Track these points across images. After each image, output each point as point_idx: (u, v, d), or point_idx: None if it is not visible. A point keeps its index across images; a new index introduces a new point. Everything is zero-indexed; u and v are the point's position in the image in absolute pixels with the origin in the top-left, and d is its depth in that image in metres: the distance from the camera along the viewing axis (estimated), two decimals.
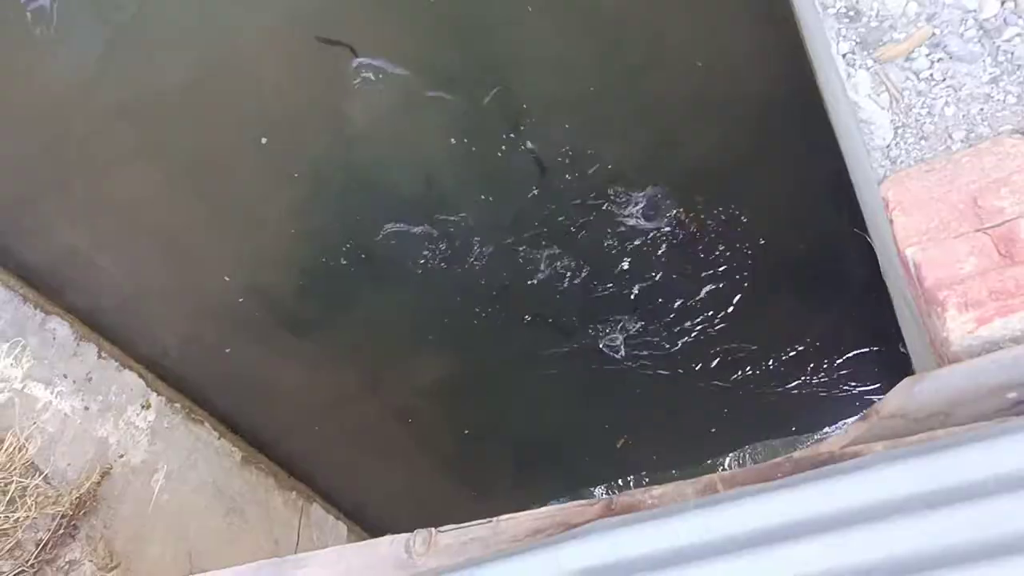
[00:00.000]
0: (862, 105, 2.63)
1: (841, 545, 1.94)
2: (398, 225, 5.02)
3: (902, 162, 2.62)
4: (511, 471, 6.66)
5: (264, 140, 4.67)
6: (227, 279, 5.22)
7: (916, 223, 2.47)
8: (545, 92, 4.52)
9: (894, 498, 1.96)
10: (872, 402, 5.42)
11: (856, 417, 2.33)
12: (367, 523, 7.06)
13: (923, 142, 2.59)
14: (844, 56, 2.63)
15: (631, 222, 4.92)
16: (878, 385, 5.52)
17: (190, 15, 4.38)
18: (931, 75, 2.56)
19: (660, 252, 5.05)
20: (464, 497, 6.83)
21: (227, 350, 5.65)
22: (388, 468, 6.66)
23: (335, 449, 6.43)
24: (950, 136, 2.55)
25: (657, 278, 5.13)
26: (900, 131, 2.62)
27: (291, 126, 4.63)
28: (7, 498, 4.12)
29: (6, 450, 4.17)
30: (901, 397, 2.25)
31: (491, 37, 4.39)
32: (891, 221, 2.55)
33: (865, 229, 3.98)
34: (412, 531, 2.76)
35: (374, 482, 6.84)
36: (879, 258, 3.92)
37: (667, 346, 5.37)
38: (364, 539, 5.22)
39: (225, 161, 4.80)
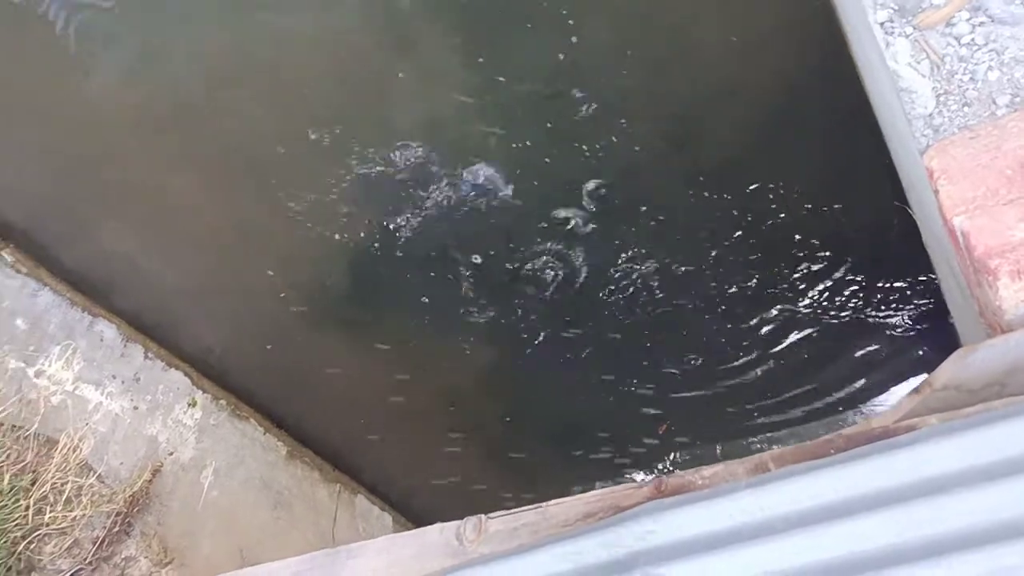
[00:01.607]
0: (902, 74, 2.59)
1: (900, 520, 1.92)
2: (439, 216, 5.04)
3: (945, 130, 2.57)
4: (552, 457, 6.67)
5: (313, 136, 4.71)
6: (270, 273, 5.28)
7: (962, 191, 2.42)
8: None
9: (952, 471, 1.93)
10: (918, 377, 5.34)
11: (909, 390, 2.29)
12: (411, 513, 7.12)
13: (966, 108, 2.54)
14: (882, 24, 2.58)
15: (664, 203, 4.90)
16: (924, 360, 5.44)
17: (224, 21, 4.44)
18: (973, 40, 2.51)
19: (698, 232, 5.02)
20: (505, 485, 6.86)
21: (268, 347, 5.72)
22: (430, 457, 6.70)
23: (378, 440, 6.49)
24: (994, 101, 2.49)
25: (697, 258, 5.10)
26: (942, 98, 2.56)
27: (336, 122, 4.68)
28: (64, 497, 4.22)
29: (61, 451, 4.27)
30: (954, 368, 2.21)
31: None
32: (936, 191, 2.50)
33: (906, 201, 3.91)
34: (461, 519, 2.78)
35: (417, 472, 6.89)
36: (922, 231, 3.85)
37: (714, 328, 5.34)
38: (409, 529, 5.27)
39: (265, 159, 4.86)
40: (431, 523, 2.83)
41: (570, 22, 4.45)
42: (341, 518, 6.39)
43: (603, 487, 2.63)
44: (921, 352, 5.28)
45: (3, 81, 4.79)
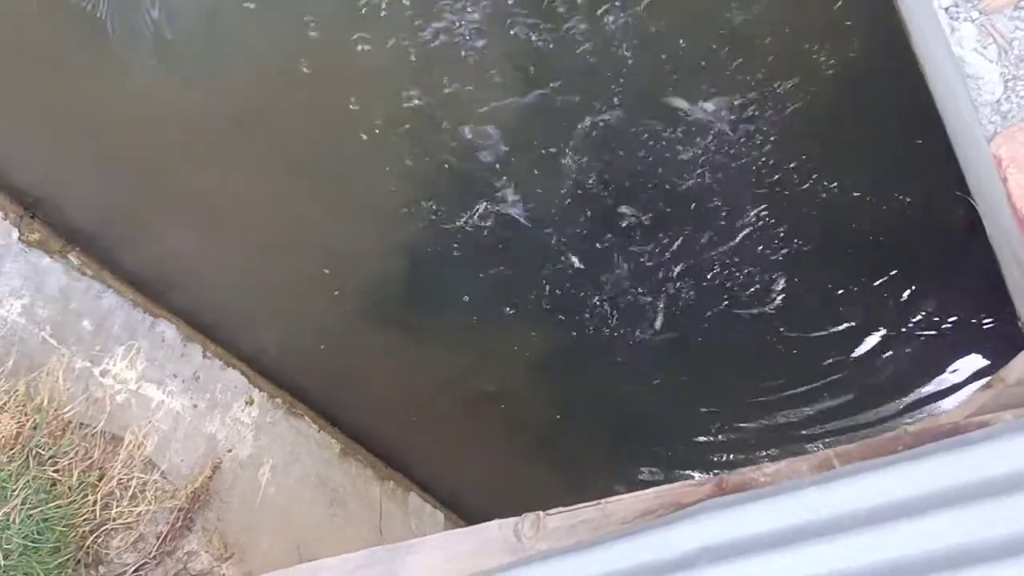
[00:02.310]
0: (968, 60, 2.52)
1: (972, 518, 1.87)
2: (490, 214, 5.06)
3: (1014, 116, 2.49)
4: (605, 455, 6.64)
5: (364, 136, 4.77)
6: (326, 272, 5.35)
7: None
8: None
9: None
10: (984, 376, 5.20)
11: (980, 387, 2.23)
12: (463, 511, 7.15)
13: None
14: (947, 10, 2.52)
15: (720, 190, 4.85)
16: (988, 357, 5.29)
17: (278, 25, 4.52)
18: None
19: (754, 231, 4.95)
20: (557, 482, 6.85)
21: (322, 346, 5.80)
22: (482, 455, 6.73)
23: (430, 438, 6.53)
24: None
25: (755, 260, 5.04)
26: (1010, 84, 2.49)
27: (391, 123, 4.72)
28: (129, 493, 4.33)
29: (126, 447, 4.38)
30: None
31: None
32: (1004, 179, 2.43)
33: (968, 192, 3.80)
34: (518, 515, 2.79)
35: (468, 470, 6.92)
36: (985, 223, 3.75)
37: (771, 321, 5.26)
38: (460, 526, 5.30)
39: (321, 158, 4.93)
40: (482, 520, 2.84)
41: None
42: (395, 515, 6.45)
43: (660, 485, 2.61)
44: (985, 349, 5.14)
45: (64, 88, 4.93)
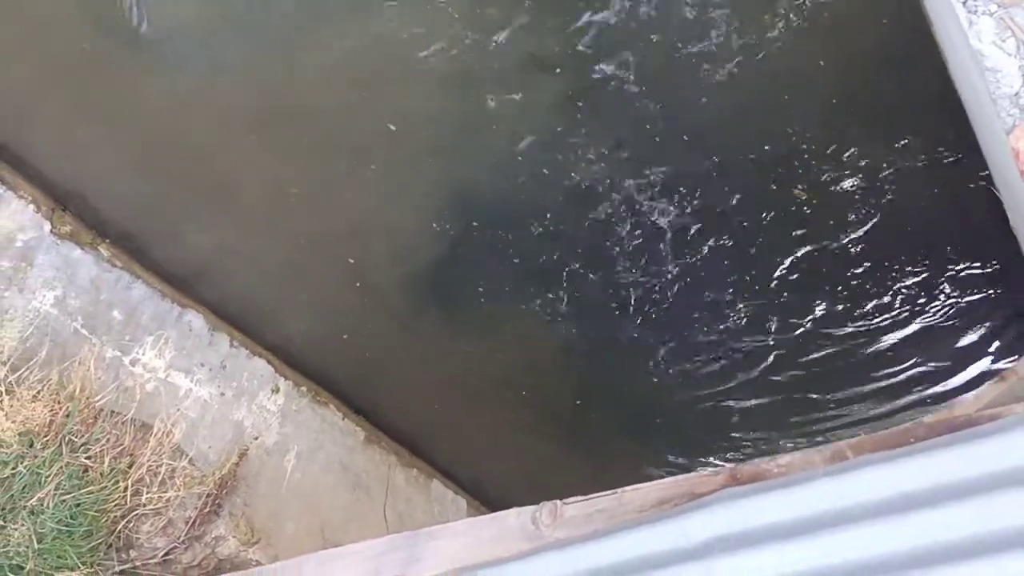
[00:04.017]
0: (986, 53, 2.51)
1: (985, 510, 1.89)
2: (517, 205, 5.10)
3: None
4: (625, 444, 6.67)
5: (392, 127, 4.81)
6: (351, 261, 5.41)
7: None
8: None
9: None
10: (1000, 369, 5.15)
11: (992, 380, 2.24)
12: (485, 498, 7.21)
13: None
14: (965, 3, 2.51)
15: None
16: (1007, 349, 5.25)
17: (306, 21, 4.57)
18: None
19: (774, 221, 4.95)
20: (578, 471, 6.89)
21: (345, 336, 5.87)
22: (503, 443, 6.78)
23: (452, 426, 6.59)
24: None
25: (775, 249, 5.04)
26: None
27: (415, 113, 4.76)
28: (159, 479, 4.43)
29: (155, 435, 4.48)
30: None
31: None
32: (1022, 172, 2.43)
33: (992, 184, 3.78)
34: (536, 503, 2.83)
35: (490, 457, 6.97)
36: (1009, 214, 3.72)
37: (788, 318, 5.26)
38: (483, 513, 5.36)
39: (343, 149, 4.98)
40: (504, 508, 2.88)
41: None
42: (418, 502, 6.52)
43: (677, 474, 2.64)
44: (1006, 341, 5.10)
45: (92, 80, 5.02)
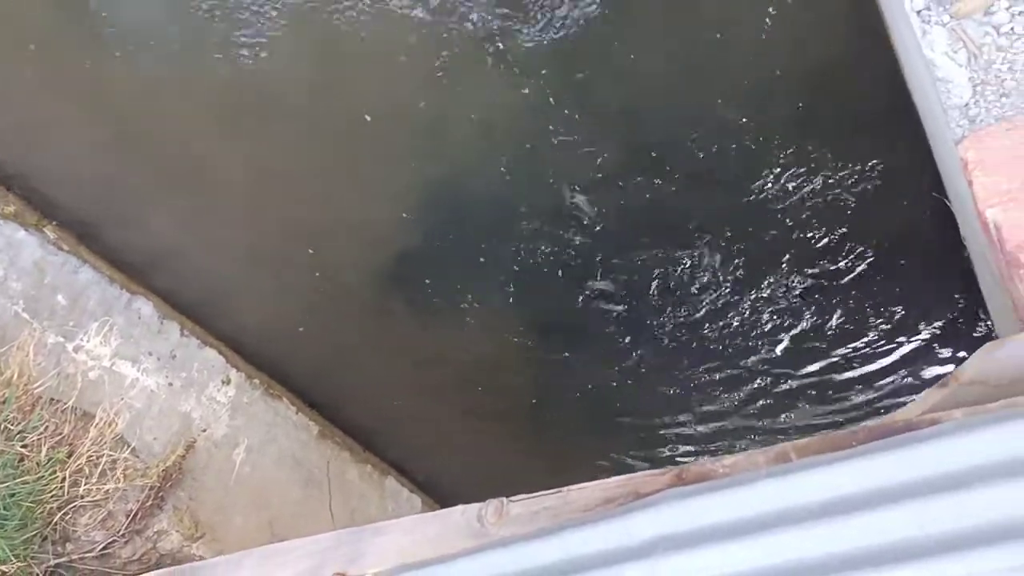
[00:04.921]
0: (938, 63, 2.55)
1: (921, 514, 1.91)
2: (477, 199, 5.07)
3: (982, 120, 2.53)
4: (583, 440, 6.69)
5: (368, 118, 4.75)
6: (310, 252, 5.33)
7: (997, 183, 2.39)
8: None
9: (975, 466, 1.91)
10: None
11: (934, 385, 2.27)
12: (440, 495, 7.19)
13: (1004, 99, 2.49)
14: (919, 13, 2.54)
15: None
16: (955, 355, 5.35)
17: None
18: (1012, 29, 2.46)
19: (728, 224, 4.99)
20: (533, 468, 6.89)
21: (301, 329, 5.80)
22: (460, 440, 6.76)
23: (408, 422, 6.55)
24: None
25: (721, 253, 5.07)
26: (979, 88, 2.52)
27: (389, 106, 4.71)
28: (99, 470, 4.33)
29: (97, 425, 4.37)
30: (981, 363, 2.18)
31: None
32: (970, 182, 2.47)
33: (944, 192, 3.84)
34: (483, 501, 2.82)
35: (446, 454, 6.95)
36: (959, 222, 3.79)
37: (745, 320, 5.30)
38: (437, 510, 5.32)
39: (307, 139, 4.91)
40: (458, 505, 2.87)
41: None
42: (372, 498, 6.47)
43: (624, 473, 2.64)
44: (956, 347, 5.20)
45: (44, 59, 4.89)
